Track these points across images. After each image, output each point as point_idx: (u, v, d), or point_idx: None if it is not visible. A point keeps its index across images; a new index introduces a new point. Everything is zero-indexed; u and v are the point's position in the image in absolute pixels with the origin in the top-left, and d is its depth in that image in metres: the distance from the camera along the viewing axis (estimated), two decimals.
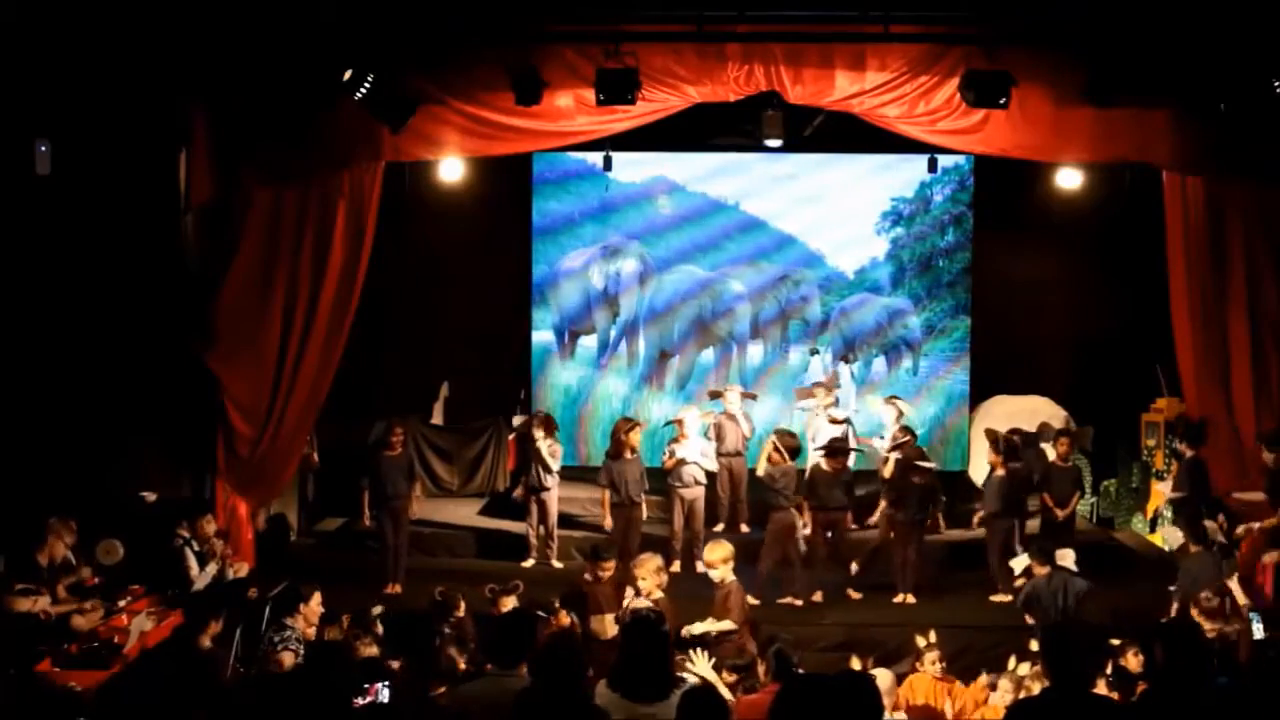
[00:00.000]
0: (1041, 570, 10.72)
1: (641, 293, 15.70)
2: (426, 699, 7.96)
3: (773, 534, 12.06)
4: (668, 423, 13.64)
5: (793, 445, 12.31)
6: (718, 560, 9.62)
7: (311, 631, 9.46)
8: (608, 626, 9.49)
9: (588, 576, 9.95)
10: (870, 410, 14.35)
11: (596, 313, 15.77)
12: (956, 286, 15.60)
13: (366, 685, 7.04)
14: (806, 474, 12.58)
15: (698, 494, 12.72)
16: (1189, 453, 12.53)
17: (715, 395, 14.00)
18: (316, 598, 9.53)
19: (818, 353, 15.62)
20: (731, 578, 9.64)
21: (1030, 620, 10.58)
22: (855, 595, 12.17)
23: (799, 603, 11.84)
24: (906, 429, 12.98)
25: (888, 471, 12.41)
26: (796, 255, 15.72)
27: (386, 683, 7.28)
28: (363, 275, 12.25)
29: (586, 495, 13.64)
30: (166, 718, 6.32)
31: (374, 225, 12.23)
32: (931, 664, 9.27)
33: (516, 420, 13.52)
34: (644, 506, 12.70)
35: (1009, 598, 11.50)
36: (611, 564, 9.95)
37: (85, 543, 10.81)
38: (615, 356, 15.85)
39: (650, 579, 9.26)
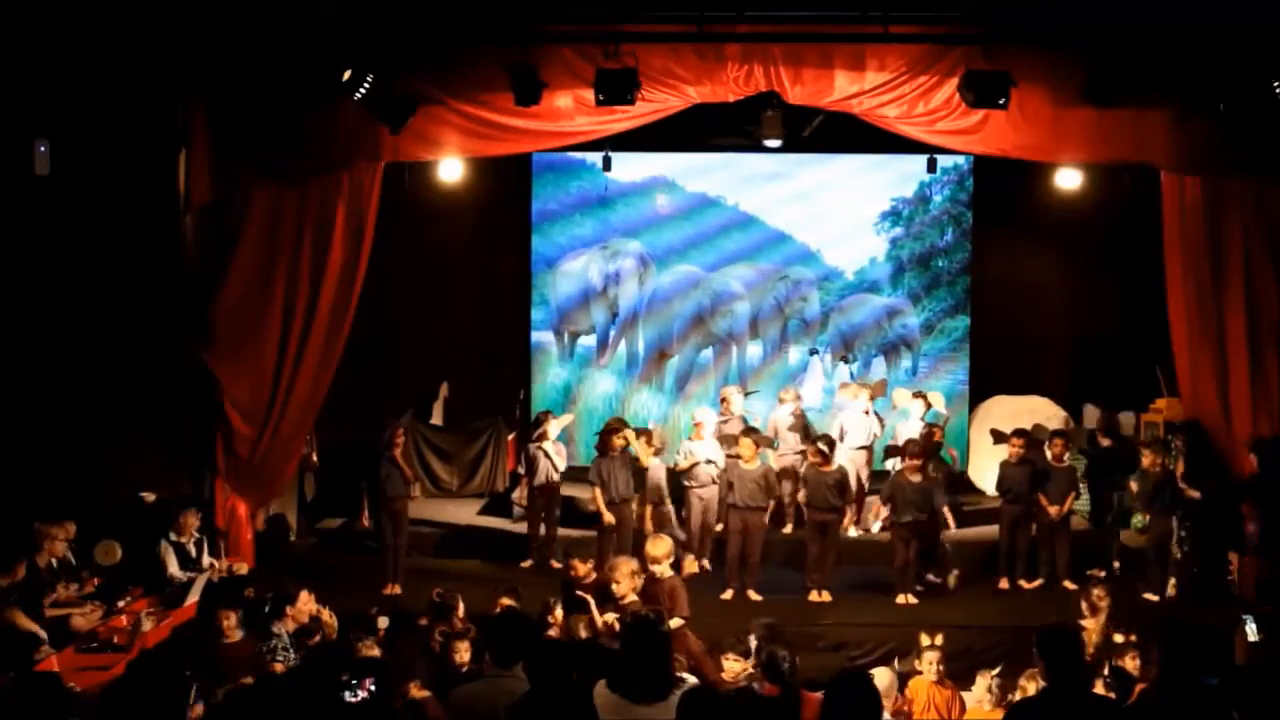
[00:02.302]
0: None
1: (640, 292, 15.72)
2: (425, 699, 7.98)
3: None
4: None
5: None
6: (661, 556, 9.83)
7: (316, 639, 9.47)
8: (582, 627, 9.48)
9: (573, 575, 10.03)
10: (895, 404, 14.40)
11: (595, 312, 15.78)
12: (955, 286, 15.63)
13: (356, 681, 7.03)
14: (802, 474, 12.59)
15: (713, 493, 12.69)
16: (1106, 442, 13.24)
17: (722, 401, 13.98)
18: (304, 596, 9.51)
19: (817, 352, 15.64)
20: (670, 573, 9.87)
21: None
22: (826, 597, 12.16)
23: None
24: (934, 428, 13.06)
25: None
26: (795, 254, 15.74)
27: (374, 678, 7.28)
28: (362, 276, 12.24)
29: (587, 495, 13.62)
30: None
31: (373, 226, 12.22)
32: (928, 665, 9.25)
33: (556, 422, 13.51)
34: (634, 504, 12.72)
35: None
36: (581, 566, 10.04)
37: (84, 544, 10.81)
38: (614, 356, 15.87)
39: (625, 582, 9.38)
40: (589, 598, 9.54)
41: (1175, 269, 12.37)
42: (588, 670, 6.34)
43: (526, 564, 12.97)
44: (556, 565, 12.64)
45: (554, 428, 13.18)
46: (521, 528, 13.47)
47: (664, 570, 9.83)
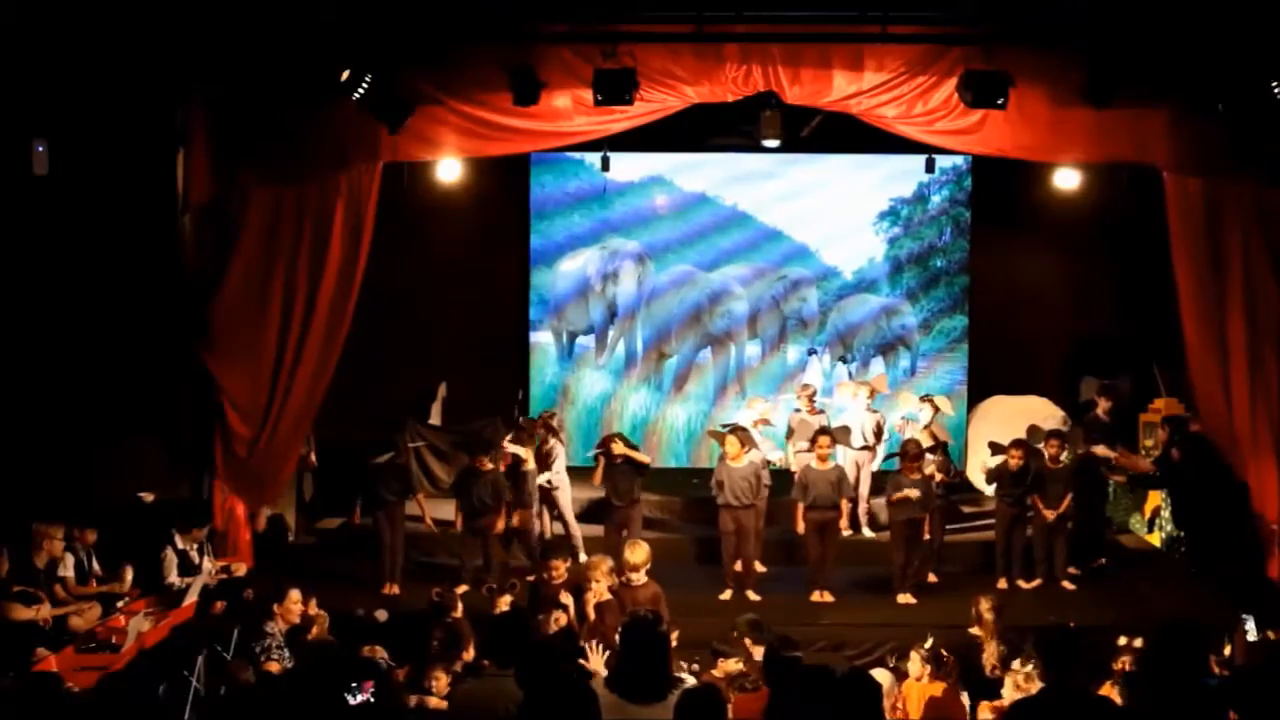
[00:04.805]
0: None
1: (638, 290, 15.73)
2: (423, 699, 7.99)
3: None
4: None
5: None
6: (639, 563, 9.79)
7: (315, 631, 9.47)
8: (551, 624, 9.50)
9: (545, 576, 10.01)
10: (903, 407, 14.44)
11: (594, 312, 15.80)
12: (953, 285, 15.66)
13: (357, 684, 7.05)
14: (796, 473, 12.58)
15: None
16: None
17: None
18: (293, 595, 9.48)
19: (815, 352, 15.67)
20: (644, 579, 9.81)
21: None
22: (827, 597, 12.14)
23: None
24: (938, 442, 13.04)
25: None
26: (793, 253, 15.77)
27: (375, 681, 7.29)
28: (360, 275, 12.22)
29: (586, 495, 13.61)
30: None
31: (372, 225, 12.20)
32: (915, 665, 9.21)
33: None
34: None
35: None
36: (560, 565, 10.00)
37: (108, 549, 10.84)
38: (612, 355, 15.88)
39: (603, 580, 9.45)
40: (568, 597, 9.57)
41: (1181, 267, 12.28)
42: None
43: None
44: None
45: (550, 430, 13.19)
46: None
47: (640, 578, 9.80)
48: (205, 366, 11.93)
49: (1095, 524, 13.14)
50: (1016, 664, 9.10)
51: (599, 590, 9.48)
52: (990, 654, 9.70)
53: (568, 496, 13.09)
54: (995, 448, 12.88)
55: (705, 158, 15.63)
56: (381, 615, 10.26)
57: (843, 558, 12.51)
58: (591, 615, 9.51)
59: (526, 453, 12.65)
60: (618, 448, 12.50)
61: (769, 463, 12.76)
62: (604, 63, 11.31)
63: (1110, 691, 8.56)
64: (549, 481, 13.01)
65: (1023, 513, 12.46)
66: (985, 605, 9.97)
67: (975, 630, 9.91)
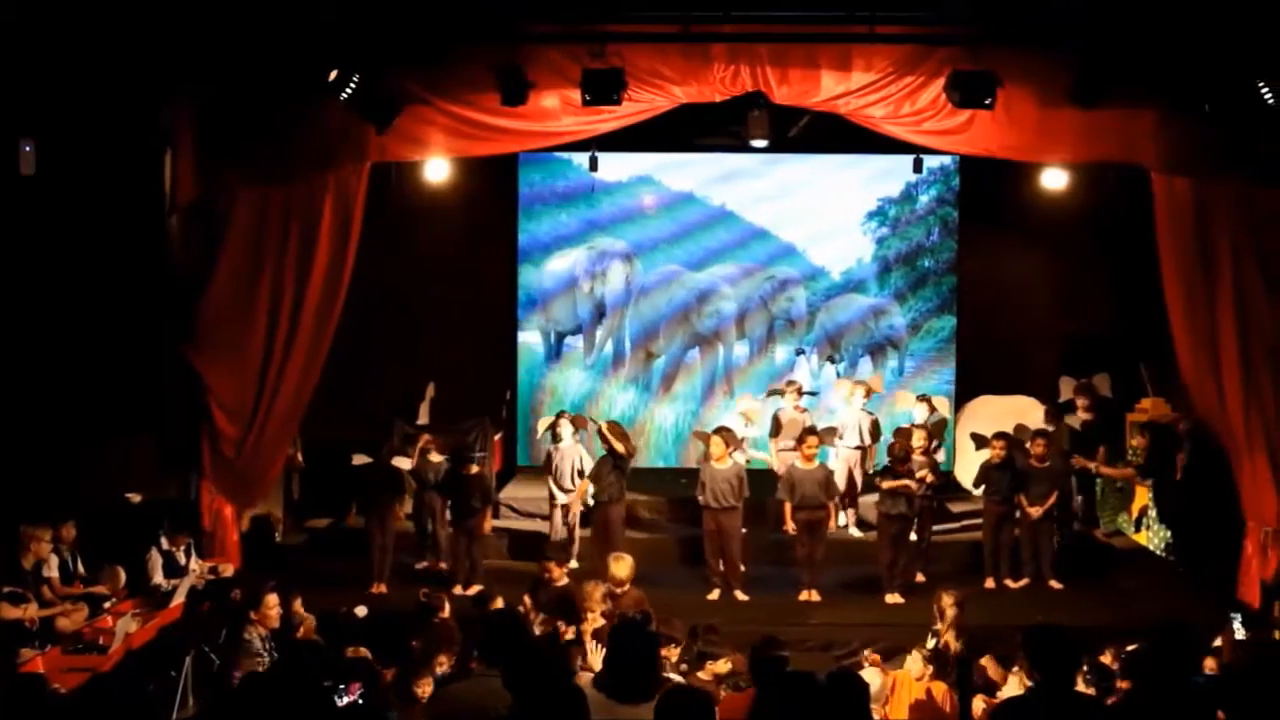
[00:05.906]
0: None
1: (626, 290, 15.73)
2: (412, 699, 7.97)
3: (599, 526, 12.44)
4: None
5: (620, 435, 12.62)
6: (625, 578, 10.06)
7: (301, 632, 9.44)
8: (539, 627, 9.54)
9: (544, 576, 10.16)
10: (897, 407, 14.46)
11: (582, 313, 15.80)
12: (941, 285, 15.67)
13: (344, 685, 7.03)
14: (781, 472, 12.58)
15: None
16: None
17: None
18: (270, 599, 9.45)
19: (803, 352, 15.67)
20: (628, 587, 10.05)
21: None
22: (815, 596, 12.15)
23: None
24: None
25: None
26: (780, 252, 15.78)
27: (364, 682, 7.27)
28: (348, 275, 12.20)
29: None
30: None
31: (359, 225, 12.19)
32: (913, 663, 9.25)
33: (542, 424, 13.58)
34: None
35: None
36: (556, 568, 10.27)
37: (95, 550, 10.81)
38: (600, 354, 15.88)
39: (599, 608, 9.54)
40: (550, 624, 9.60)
41: (1169, 269, 12.29)
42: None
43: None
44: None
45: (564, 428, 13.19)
46: (518, 524, 13.46)
47: (625, 589, 10.02)
48: (192, 366, 11.91)
49: (1067, 523, 13.17)
50: (986, 661, 9.17)
51: (594, 619, 9.47)
52: (953, 646, 9.75)
53: (577, 499, 13.06)
54: (978, 440, 12.91)
55: (693, 157, 15.64)
56: (361, 611, 10.24)
57: (831, 558, 12.53)
58: (590, 646, 9.49)
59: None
60: (606, 433, 12.53)
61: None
62: (592, 63, 11.32)
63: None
64: (558, 485, 13.01)
65: (1010, 512, 12.49)
66: (948, 600, 10.02)
67: (938, 625, 9.94)
